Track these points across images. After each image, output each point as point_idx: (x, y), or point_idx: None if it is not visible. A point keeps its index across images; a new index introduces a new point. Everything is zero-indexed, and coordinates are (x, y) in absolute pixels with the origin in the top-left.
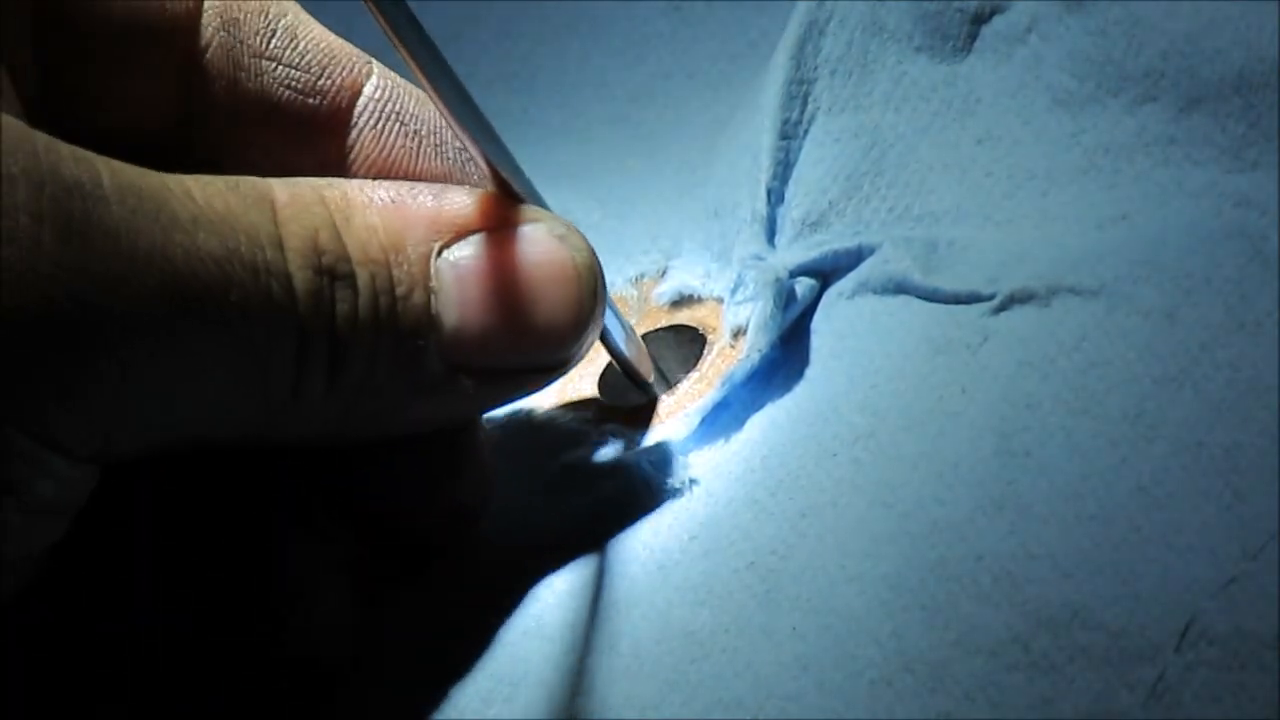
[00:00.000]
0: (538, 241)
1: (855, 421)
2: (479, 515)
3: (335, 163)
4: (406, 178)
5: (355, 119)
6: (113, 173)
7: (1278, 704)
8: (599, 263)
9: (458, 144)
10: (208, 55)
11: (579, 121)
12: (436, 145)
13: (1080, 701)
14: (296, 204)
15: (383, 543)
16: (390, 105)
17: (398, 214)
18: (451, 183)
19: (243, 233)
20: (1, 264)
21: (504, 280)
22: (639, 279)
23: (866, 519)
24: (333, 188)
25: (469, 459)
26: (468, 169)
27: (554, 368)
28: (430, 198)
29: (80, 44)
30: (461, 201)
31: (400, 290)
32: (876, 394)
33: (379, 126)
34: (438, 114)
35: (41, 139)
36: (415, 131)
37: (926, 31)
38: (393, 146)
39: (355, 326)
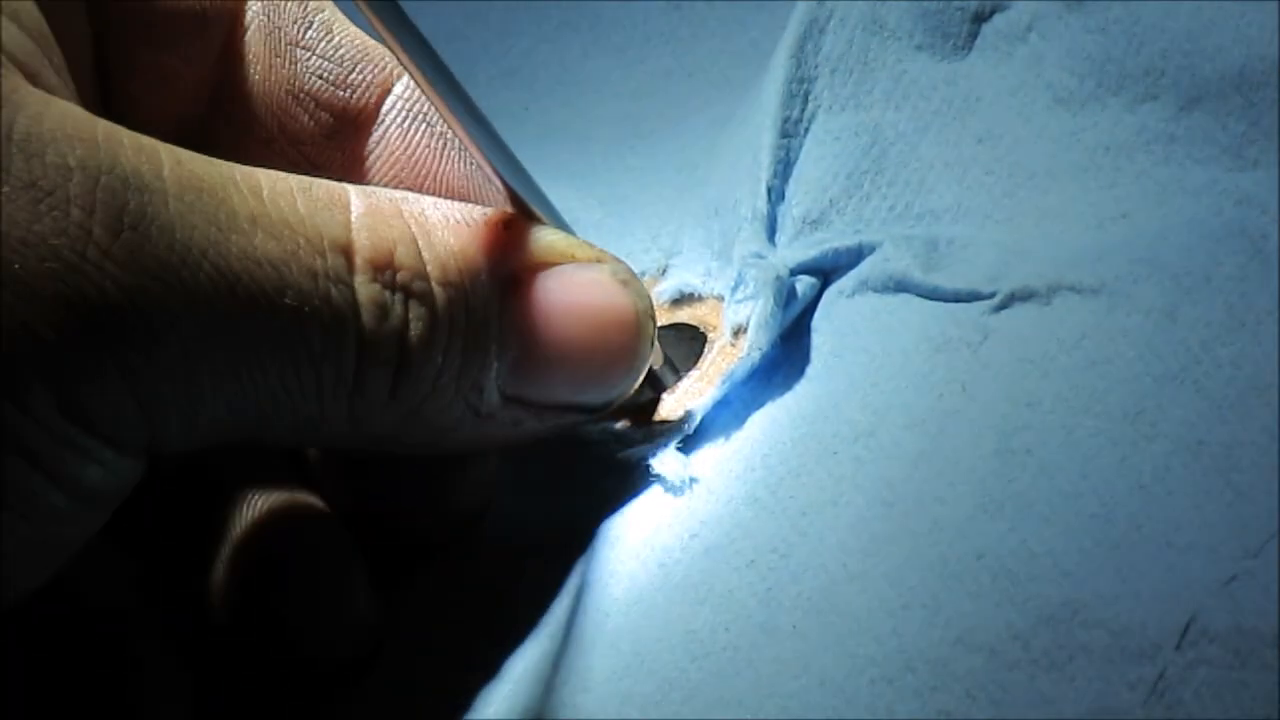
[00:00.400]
0: (603, 284)
1: (856, 419)
2: (480, 517)
3: (358, 158)
4: (429, 178)
5: (382, 117)
6: (177, 162)
7: (1278, 702)
8: (655, 311)
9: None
10: (246, 37)
11: (579, 120)
12: (461, 149)
13: (1081, 699)
14: (374, 214)
15: (384, 542)
16: (419, 106)
17: (474, 238)
18: (471, 188)
19: (304, 236)
20: (52, 253)
21: (569, 318)
22: (640, 277)
23: (867, 517)
24: (409, 202)
25: (472, 461)
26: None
27: (598, 407)
28: (504, 226)
29: (134, 26)
30: (535, 234)
31: (475, 315)
32: (877, 392)
33: (405, 125)
34: None
35: (103, 127)
36: (441, 134)
37: (927, 30)
38: (417, 146)
39: (428, 344)
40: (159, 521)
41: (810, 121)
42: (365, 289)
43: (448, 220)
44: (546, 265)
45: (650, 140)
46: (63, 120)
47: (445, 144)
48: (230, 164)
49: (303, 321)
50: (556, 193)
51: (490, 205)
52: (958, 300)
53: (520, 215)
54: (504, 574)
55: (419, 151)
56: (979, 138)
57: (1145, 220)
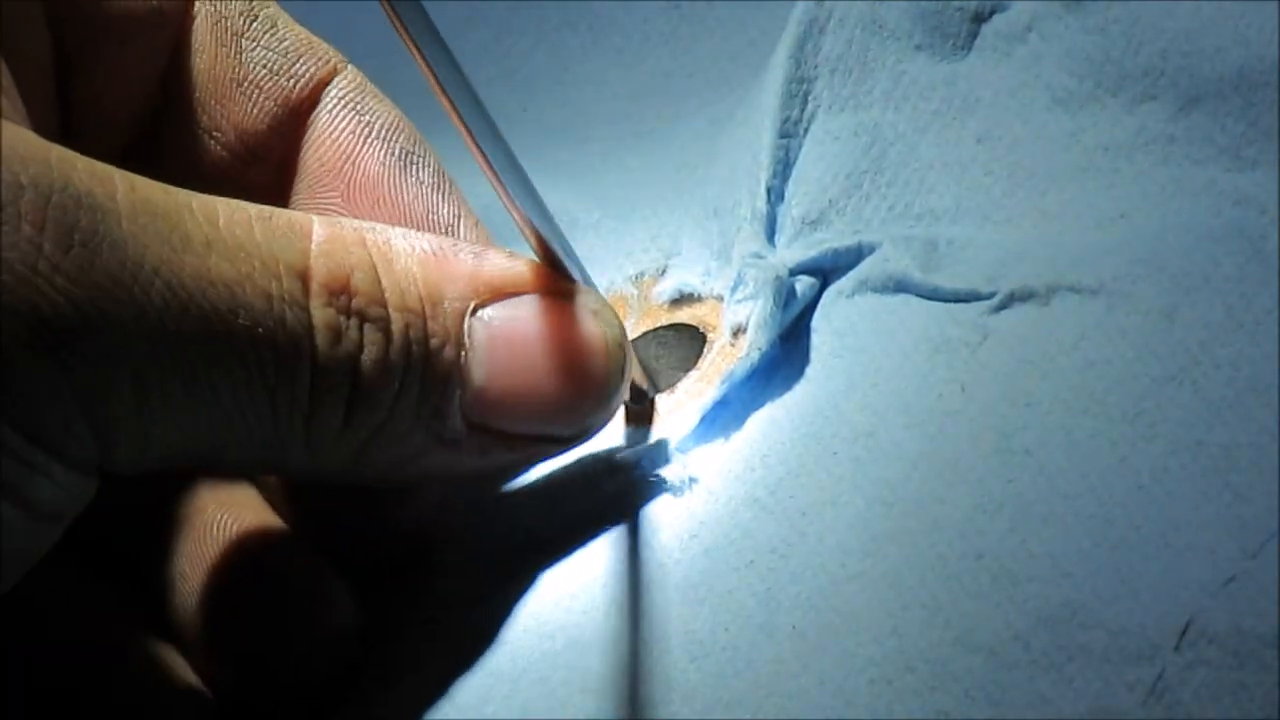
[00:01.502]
0: (571, 314)
1: (855, 420)
2: (430, 538)
3: (296, 147)
4: (348, 162)
5: (319, 106)
6: (131, 188)
7: (1277, 703)
8: (628, 341)
9: (408, 145)
10: (194, 29)
11: (578, 120)
12: (386, 139)
13: (1080, 700)
14: (335, 242)
15: (338, 564)
16: (352, 95)
17: (438, 266)
18: (387, 177)
19: (259, 260)
20: (3, 266)
21: (535, 347)
22: (639, 277)
23: (866, 517)
24: (376, 232)
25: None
26: (411, 169)
27: (572, 438)
28: (471, 255)
29: (95, 25)
30: (502, 264)
31: (434, 342)
32: (876, 392)
33: (334, 112)
34: (396, 115)
35: (56, 151)
36: (369, 123)
37: (926, 30)
38: (342, 131)
39: (383, 370)
40: (126, 548)
41: (810, 122)
42: (320, 313)
43: (413, 249)
44: (514, 294)
45: (649, 140)
46: (14, 141)
47: (370, 132)
48: (187, 191)
49: (256, 343)
50: (556, 193)
51: (407, 193)
52: (957, 300)
53: (493, 246)
54: (503, 573)
55: (343, 137)
56: (978, 138)
57: (1144, 221)
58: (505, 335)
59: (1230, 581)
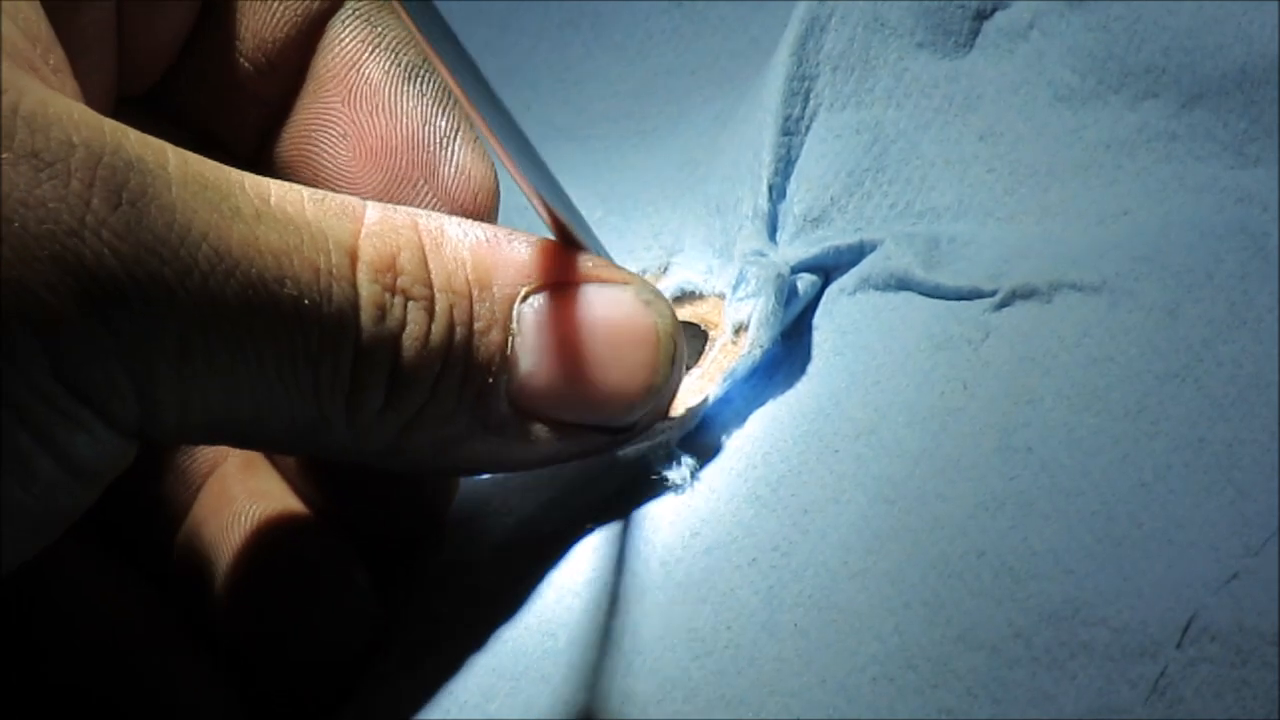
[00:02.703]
0: (624, 303)
1: (857, 417)
2: (445, 512)
3: (310, 58)
4: (355, 72)
5: (335, 15)
6: (184, 160)
7: (1279, 700)
8: (681, 332)
9: (415, 60)
10: None
11: (581, 118)
12: (393, 51)
13: (1082, 697)
14: (385, 224)
15: (359, 544)
16: (367, 8)
17: (490, 252)
18: (393, 89)
19: (308, 235)
20: (50, 215)
21: (584, 335)
22: (640, 275)
23: (868, 515)
24: (429, 218)
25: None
26: (415, 81)
27: (620, 429)
28: (525, 245)
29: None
30: (555, 253)
31: (479, 325)
32: (878, 390)
33: (347, 21)
34: (407, 33)
35: (110, 123)
36: (380, 34)
37: (928, 27)
38: (352, 39)
39: (424, 350)
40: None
41: (811, 119)
42: (366, 289)
43: (465, 235)
44: (568, 283)
45: (651, 138)
46: (69, 108)
47: (380, 42)
48: (240, 171)
49: (301, 314)
50: None
51: (407, 103)
52: (959, 298)
53: (550, 237)
54: (505, 571)
55: (352, 44)
56: (980, 135)
57: (1146, 218)
58: (554, 323)
59: (1232, 579)
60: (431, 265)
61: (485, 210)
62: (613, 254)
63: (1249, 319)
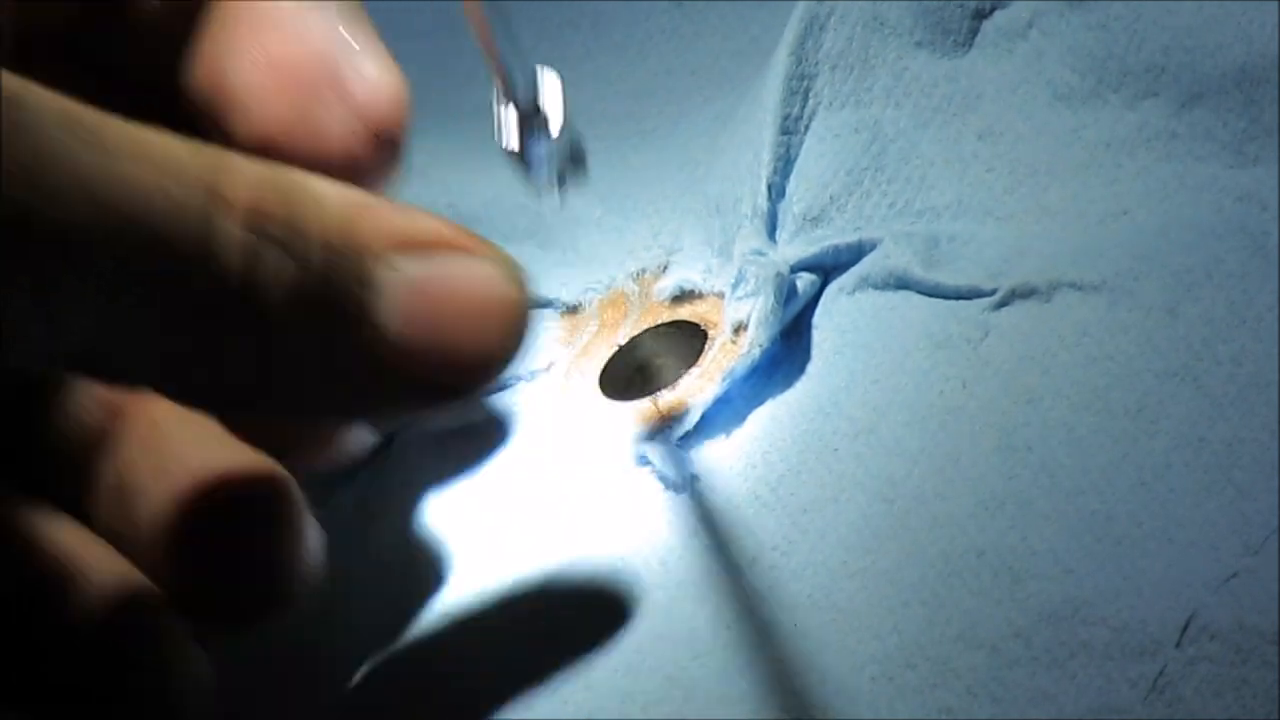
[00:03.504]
0: (483, 273)
1: (856, 417)
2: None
3: None
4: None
5: None
6: (52, 94)
7: (1278, 699)
8: (529, 307)
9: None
10: None
11: (580, 117)
12: None
13: (1082, 697)
14: (259, 173)
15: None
16: None
17: (359, 213)
18: (292, 22)
19: (178, 174)
20: None
21: (442, 300)
22: (640, 274)
23: (868, 514)
24: (305, 176)
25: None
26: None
27: (465, 391)
28: (396, 211)
29: None
30: (423, 220)
31: (343, 280)
32: (878, 389)
33: None
34: None
35: None
36: None
37: (927, 27)
38: None
39: (288, 299)
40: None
41: (811, 119)
42: (232, 231)
43: (338, 194)
44: (432, 247)
45: (651, 138)
46: None
47: None
48: (118, 116)
49: (161, 248)
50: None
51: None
52: (958, 297)
53: (418, 208)
54: (504, 570)
55: None
56: (979, 134)
57: (1146, 217)
58: (415, 284)
59: (1232, 578)
60: (302, 217)
61: (397, 121)
62: (612, 253)
63: (1249, 318)
